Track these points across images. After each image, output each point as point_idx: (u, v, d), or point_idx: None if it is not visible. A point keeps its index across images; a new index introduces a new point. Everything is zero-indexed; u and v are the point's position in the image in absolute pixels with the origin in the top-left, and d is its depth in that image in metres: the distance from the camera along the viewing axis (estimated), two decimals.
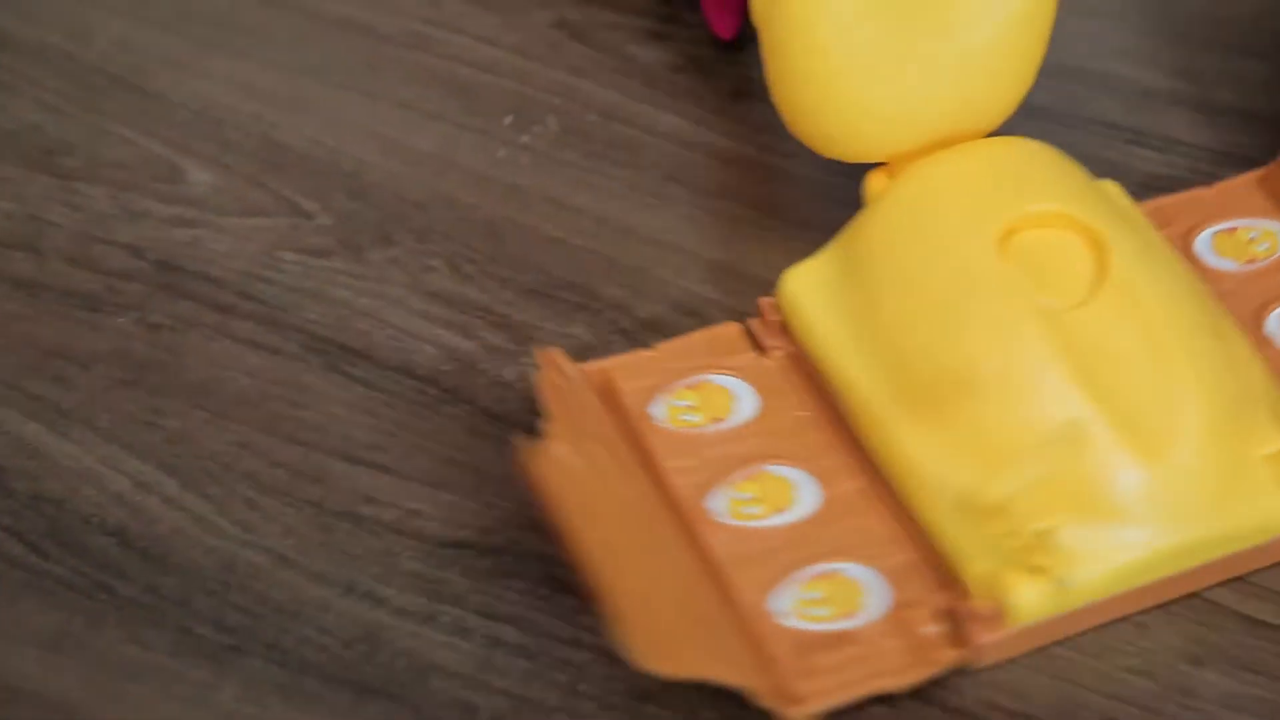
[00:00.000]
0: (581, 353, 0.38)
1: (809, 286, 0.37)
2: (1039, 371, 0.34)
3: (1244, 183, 0.41)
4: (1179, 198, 0.41)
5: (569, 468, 0.33)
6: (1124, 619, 0.34)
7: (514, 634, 0.34)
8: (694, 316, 0.39)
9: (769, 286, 0.40)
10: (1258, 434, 0.35)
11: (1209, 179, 0.41)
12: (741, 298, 0.40)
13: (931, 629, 0.33)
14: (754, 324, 0.38)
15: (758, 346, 0.38)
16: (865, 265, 0.37)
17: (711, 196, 0.42)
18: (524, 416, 0.37)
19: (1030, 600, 0.33)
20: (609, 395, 0.36)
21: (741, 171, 0.43)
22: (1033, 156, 0.38)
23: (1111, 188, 0.39)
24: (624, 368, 0.37)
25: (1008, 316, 0.35)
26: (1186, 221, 0.41)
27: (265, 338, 0.39)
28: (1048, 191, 0.37)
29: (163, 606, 0.35)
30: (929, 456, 0.34)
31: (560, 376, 0.36)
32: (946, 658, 0.33)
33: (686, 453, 0.35)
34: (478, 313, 0.40)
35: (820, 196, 0.42)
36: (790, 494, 0.35)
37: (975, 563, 0.33)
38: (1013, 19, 0.37)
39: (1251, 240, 0.40)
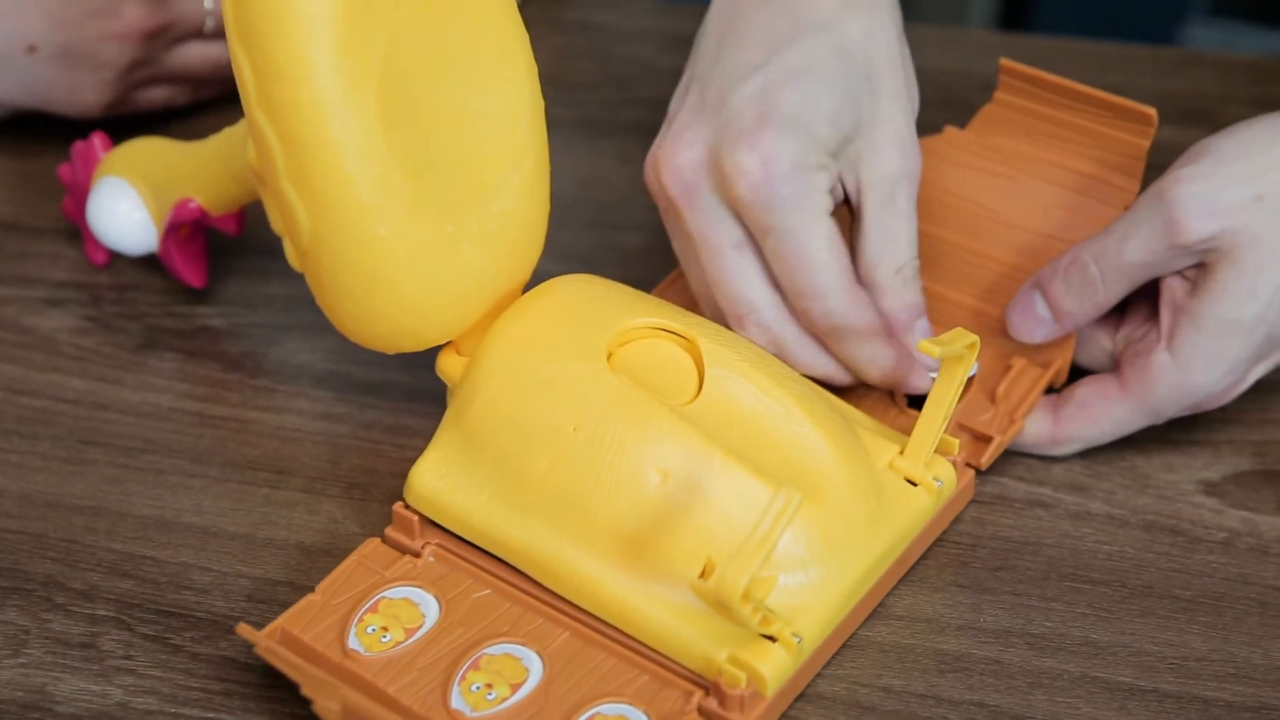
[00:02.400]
0: (16, 638, 0.37)
1: (437, 477, 0.38)
2: (706, 465, 0.36)
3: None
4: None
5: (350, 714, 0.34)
6: None
7: None
8: (131, 578, 0.38)
9: (204, 533, 0.39)
10: (874, 451, 0.38)
11: None
12: (177, 550, 0.39)
13: None
14: (391, 532, 0.38)
15: (407, 551, 0.38)
16: (486, 434, 0.37)
17: (134, 453, 0.41)
18: None
19: (778, 665, 0.35)
20: (297, 649, 0.36)
21: (160, 423, 0.42)
22: (592, 287, 0.39)
23: None
24: (296, 619, 0.36)
25: (656, 427, 0.36)
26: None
27: None
28: (628, 311, 0.38)
29: None
30: (633, 580, 0.36)
31: (278, 644, 0.36)
32: None
33: (402, 671, 0.35)
34: None
35: (243, 431, 0.42)
36: (518, 666, 0.36)
37: (713, 655, 0.35)
38: (527, 177, 0.38)
39: None
